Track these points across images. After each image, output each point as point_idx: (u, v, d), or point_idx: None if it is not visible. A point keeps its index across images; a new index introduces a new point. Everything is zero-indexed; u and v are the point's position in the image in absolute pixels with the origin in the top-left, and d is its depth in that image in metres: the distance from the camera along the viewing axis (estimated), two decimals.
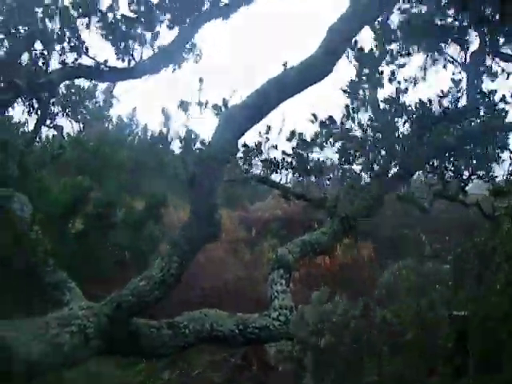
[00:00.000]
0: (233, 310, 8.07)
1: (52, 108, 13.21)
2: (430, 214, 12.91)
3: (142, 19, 10.95)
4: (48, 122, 12.98)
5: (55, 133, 18.93)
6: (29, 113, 12.01)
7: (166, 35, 11.53)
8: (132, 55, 11.01)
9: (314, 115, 11.27)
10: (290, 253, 9.17)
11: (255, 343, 8.44)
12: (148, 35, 11.13)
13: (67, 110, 16.79)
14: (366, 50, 11.97)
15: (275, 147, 10.66)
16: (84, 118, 21.84)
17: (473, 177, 11.90)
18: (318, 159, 11.12)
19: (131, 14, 11.14)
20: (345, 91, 11.81)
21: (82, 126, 22.89)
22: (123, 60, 11.20)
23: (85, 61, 11.60)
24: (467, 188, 12.17)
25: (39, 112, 12.02)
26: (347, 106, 11.48)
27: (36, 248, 9.08)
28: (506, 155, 11.91)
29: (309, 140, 11.31)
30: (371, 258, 15.96)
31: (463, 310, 11.10)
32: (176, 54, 11.36)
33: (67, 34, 11.00)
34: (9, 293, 9.46)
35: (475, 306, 11.00)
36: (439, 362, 10.58)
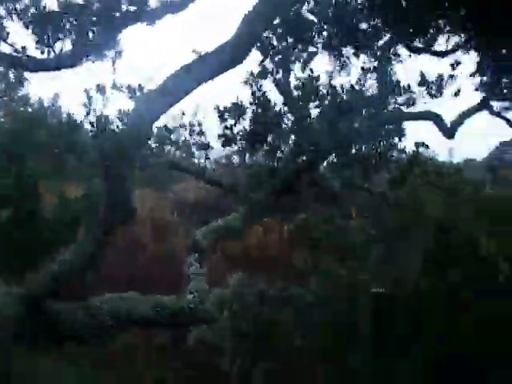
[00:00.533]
0: (150, 293, 8.14)
1: None
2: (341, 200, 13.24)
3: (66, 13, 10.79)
4: None
5: None
6: None
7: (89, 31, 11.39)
8: (52, 46, 10.86)
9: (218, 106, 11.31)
10: (205, 237, 9.30)
11: (172, 325, 8.56)
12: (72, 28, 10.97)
13: None
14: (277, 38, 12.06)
15: (188, 128, 10.64)
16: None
17: (378, 166, 12.16)
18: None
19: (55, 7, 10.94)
20: (246, 82, 11.86)
21: None
22: (42, 51, 11.03)
23: (3, 48, 11.33)
24: None
25: None
26: (253, 93, 11.50)
27: None
28: (405, 143, 12.25)
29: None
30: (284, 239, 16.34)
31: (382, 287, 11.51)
32: (97, 50, 11.25)
33: None
34: None
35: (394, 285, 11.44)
36: (358, 341, 11.00)
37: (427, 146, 12.06)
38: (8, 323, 6.56)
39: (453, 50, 11.89)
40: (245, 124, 11.33)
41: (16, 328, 6.70)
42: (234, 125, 11.33)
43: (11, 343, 7.01)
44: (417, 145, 11.73)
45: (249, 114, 11.32)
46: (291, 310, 11.29)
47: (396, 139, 11.61)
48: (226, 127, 11.26)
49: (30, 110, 29.69)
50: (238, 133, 11.30)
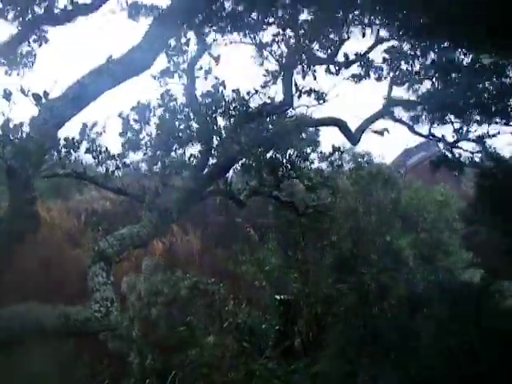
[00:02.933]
0: (56, 303, 8.01)
1: None
2: (247, 208, 13.34)
3: None
4: None
5: None
6: None
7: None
8: None
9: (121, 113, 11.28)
10: (111, 246, 9.19)
11: (78, 335, 8.44)
12: None
13: None
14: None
15: (99, 134, 10.52)
16: None
17: (288, 174, 12.31)
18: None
19: None
20: (155, 77, 11.87)
21: None
22: None
23: None
24: None
25: None
26: (161, 95, 11.49)
27: None
28: (314, 155, 12.46)
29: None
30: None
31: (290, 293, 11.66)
32: (9, 56, 10.99)
33: None
34: None
35: (302, 290, 11.60)
36: (268, 344, 11.06)
37: (342, 152, 12.31)
38: None
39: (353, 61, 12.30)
40: (151, 129, 11.32)
41: None
42: (140, 130, 11.30)
43: None
44: (333, 149, 11.95)
45: (154, 120, 11.34)
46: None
47: (307, 147, 11.79)
48: (132, 131, 11.22)
49: None
50: (142, 139, 11.28)
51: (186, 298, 10.03)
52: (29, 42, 11.39)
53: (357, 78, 12.88)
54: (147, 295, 10.76)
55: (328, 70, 12.86)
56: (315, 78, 12.58)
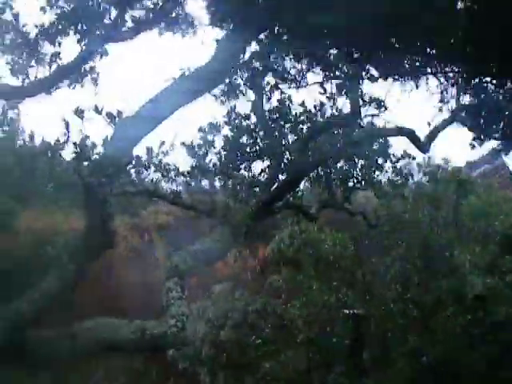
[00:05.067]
0: (130, 317, 8.11)
1: None
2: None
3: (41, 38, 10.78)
4: None
5: None
6: None
7: (64, 56, 11.36)
8: (27, 73, 10.78)
9: (201, 128, 11.40)
10: (185, 261, 9.26)
11: (153, 350, 8.52)
12: (48, 55, 10.94)
13: None
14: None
15: (165, 153, 10.66)
16: None
17: (358, 185, 12.25)
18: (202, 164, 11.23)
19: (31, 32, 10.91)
20: (216, 97, 11.99)
21: None
22: (17, 77, 10.95)
23: None
24: None
25: None
26: (228, 113, 11.58)
27: None
28: (387, 164, 12.37)
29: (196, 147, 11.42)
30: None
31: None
32: (73, 75, 11.22)
33: None
34: None
35: (370, 305, 11.48)
36: (336, 359, 10.95)
37: (414, 158, 12.21)
38: None
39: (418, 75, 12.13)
40: (219, 147, 11.42)
41: None
42: (206, 153, 11.39)
43: None
44: (404, 155, 11.84)
45: (221, 138, 11.45)
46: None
47: (377, 157, 11.72)
48: (198, 156, 11.33)
49: None
50: (209, 161, 11.37)
51: (255, 320, 10.03)
52: (93, 60, 11.64)
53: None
54: (216, 319, 10.83)
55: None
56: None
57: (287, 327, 10.59)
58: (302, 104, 11.05)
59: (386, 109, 11.68)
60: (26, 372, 9.23)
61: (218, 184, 11.58)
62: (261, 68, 11.72)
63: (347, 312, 12.29)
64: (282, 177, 11.13)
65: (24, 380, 9.56)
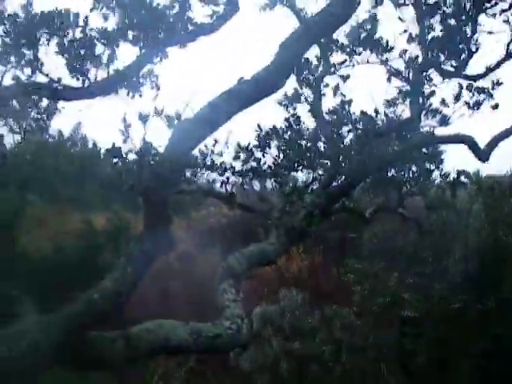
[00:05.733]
0: (184, 319, 8.12)
1: None
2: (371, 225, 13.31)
3: (101, 40, 10.91)
4: None
5: None
6: None
7: (123, 58, 11.49)
8: (87, 75, 10.93)
9: (259, 126, 11.42)
10: (239, 263, 9.26)
11: (208, 352, 8.53)
12: (105, 56, 11.07)
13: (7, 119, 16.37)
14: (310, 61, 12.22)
15: (220, 154, 10.67)
16: (25, 128, 21.53)
17: (412, 191, 12.18)
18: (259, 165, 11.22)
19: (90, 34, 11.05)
20: (280, 103, 12.03)
21: (22, 136, 22.57)
22: (78, 79, 11.11)
23: (39, 78, 11.43)
24: None
25: None
26: (293, 116, 11.64)
27: None
28: (436, 173, 12.25)
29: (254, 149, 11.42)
30: (317, 265, 16.26)
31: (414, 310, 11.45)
32: (132, 78, 11.34)
33: (23, 49, 10.85)
34: None
35: (427, 307, 11.35)
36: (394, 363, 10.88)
37: (468, 175, 12.04)
38: (45, 351, 6.56)
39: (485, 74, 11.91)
40: (275, 149, 11.41)
41: (53, 356, 6.69)
42: (263, 155, 11.39)
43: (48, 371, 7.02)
44: (458, 173, 11.64)
45: (275, 142, 11.44)
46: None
47: (431, 164, 11.60)
48: (254, 159, 11.32)
49: (50, 139, 29.87)
50: (264, 163, 11.35)
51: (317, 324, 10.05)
52: (152, 63, 11.72)
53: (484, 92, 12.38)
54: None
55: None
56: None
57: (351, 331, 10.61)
58: (362, 110, 11.02)
59: (447, 124, 11.58)
60: (79, 374, 9.39)
61: (273, 186, 11.54)
62: (320, 70, 11.76)
63: (405, 314, 12.28)
64: (338, 180, 11.11)
65: (76, 382, 9.72)
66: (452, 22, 11.40)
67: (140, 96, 11.64)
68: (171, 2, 10.85)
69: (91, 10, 11.01)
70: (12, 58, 11.01)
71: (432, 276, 13.53)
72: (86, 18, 11.02)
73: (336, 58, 12.24)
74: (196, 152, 10.14)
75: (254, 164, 11.20)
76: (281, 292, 12.21)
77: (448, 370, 11.47)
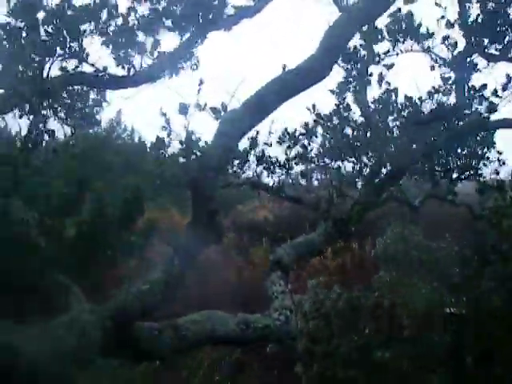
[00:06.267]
0: (232, 311, 8.15)
1: (43, 111, 12.99)
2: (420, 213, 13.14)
3: (142, 28, 10.99)
4: (40, 125, 12.75)
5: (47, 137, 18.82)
6: (20, 116, 11.90)
7: (166, 44, 11.58)
8: (132, 63, 11.02)
9: (314, 105, 11.36)
10: (287, 254, 9.27)
11: (257, 343, 8.54)
12: (148, 43, 11.15)
13: (59, 114, 16.53)
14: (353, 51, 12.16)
15: (269, 145, 10.67)
16: (75, 121, 21.71)
17: (462, 176, 12.04)
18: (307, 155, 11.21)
19: (132, 22, 11.13)
20: (332, 92, 11.97)
21: (72, 129, 22.76)
22: (123, 67, 11.21)
23: (85, 68, 11.57)
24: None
25: (31, 116, 11.90)
26: (337, 106, 11.59)
27: (37, 252, 9.13)
28: (492, 154, 12.11)
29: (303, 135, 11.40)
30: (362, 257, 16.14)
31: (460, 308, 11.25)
32: (175, 63, 11.41)
33: (68, 39, 10.98)
34: (9, 297, 9.48)
35: (472, 305, 11.14)
36: (436, 359, 10.70)
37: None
38: (95, 342, 6.64)
39: None
40: (320, 139, 11.37)
41: (103, 347, 6.76)
42: (309, 144, 11.35)
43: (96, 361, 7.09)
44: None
45: (320, 133, 11.40)
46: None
47: (483, 149, 11.45)
48: (302, 146, 11.29)
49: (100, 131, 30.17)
50: (311, 150, 11.32)
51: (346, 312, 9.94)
52: (194, 48, 11.76)
53: None
54: (309, 311, 10.81)
55: None
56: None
57: (392, 323, 10.45)
58: (408, 96, 10.93)
59: (495, 111, 11.40)
60: (129, 365, 9.46)
61: (319, 177, 11.53)
62: (365, 58, 11.68)
63: (449, 311, 12.07)
64: (385, 169, 11.03)
65: (126, 373, 9.79)
66: (493, 4, 11.23)
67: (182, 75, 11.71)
68: None
69: (132, 2, 11.12)
70: (58, 49, 11.14)
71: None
72: (128, 8, 11.11)
73: (380, 47, 12.16)
74: (243, 143, 10.18)
75: (300, 150, 11.18)
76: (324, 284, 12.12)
77: (495, 366, 11.24)
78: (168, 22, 11.03)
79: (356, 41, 11.86)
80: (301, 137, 11.41)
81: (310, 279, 11.80)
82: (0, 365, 5.64)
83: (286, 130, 11.28)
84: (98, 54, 11.49)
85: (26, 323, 7.02)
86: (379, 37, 11.97)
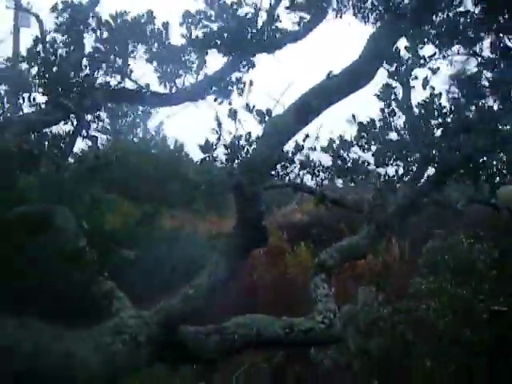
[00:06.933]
0: (274, 315, 8.19)
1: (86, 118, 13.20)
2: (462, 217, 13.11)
3: (189, 48, 11.16)
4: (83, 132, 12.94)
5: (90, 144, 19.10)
6: (64, 123, 12.09)
7: (211, 65, 11.73)
8: (174, 81, 11.19)
9: (354, 116, 11.38)
10: (331, 257, 9.30)
11: (301, 346, 8.57)
12: (195, 63, 11.33)
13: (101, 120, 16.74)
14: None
15: (313, 149, 10.73)
16: (116, 130, 22.01)
17: (505, 180, 11.95)
18: (358, 159, 11.22)
19: (178, 41, 11.31)
20: (378, 96, 11.95)
21: (113, 137, 23.07)
22: (165, 85, 11.39)
23: (127, 84, 11.77)
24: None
25: (74, 123, 12.09)
26: (382, 110, 11.60)
27: (84, 259, 9.22)
28: None
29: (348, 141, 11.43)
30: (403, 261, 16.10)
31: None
32: (219, 84, 11.56)
33: (113, 56, 11.19)
34: (56, 303, 9.59)
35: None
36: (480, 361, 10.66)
37: None
38: (144, 347, 6.70)
39: None
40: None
41: (152, 352, 6.83)
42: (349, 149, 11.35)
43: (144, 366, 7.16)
44: None
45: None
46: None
47: None
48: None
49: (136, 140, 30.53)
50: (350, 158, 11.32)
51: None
52: (239, 70, 11.88)
53: None
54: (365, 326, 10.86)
55: None
56: None
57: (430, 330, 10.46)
58: (451, 100, 10.89)
59: None
60: (172, 368, 9.54)
61: (362, 181, 11.52)
62: (410, 62, 11.66)
63: (492, 308, 12.00)
64: (428, 173, 11.01)
65: (170, 376, 9.89)
66: None
67: (229, 104, 11.81)
68: (258, 11, 11.01)
69: (181, 25, 11.28)
70: (103, 65, 11.34)
71: None
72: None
73: (426, 50, 12.12)
74: (288, 147, 10.24)
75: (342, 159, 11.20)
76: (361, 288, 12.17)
77: None
78: (218, 43, 11.13)
79: (401, 43, 11.85)
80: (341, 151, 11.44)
81: (354, 282, 11.89)
82: (58, 372, 5.73)
83: (331, 139, 11.33)
84: (142, 71, 11.69)
85: (74, 330, 7.12)
86: (425, 40, 11.95)
